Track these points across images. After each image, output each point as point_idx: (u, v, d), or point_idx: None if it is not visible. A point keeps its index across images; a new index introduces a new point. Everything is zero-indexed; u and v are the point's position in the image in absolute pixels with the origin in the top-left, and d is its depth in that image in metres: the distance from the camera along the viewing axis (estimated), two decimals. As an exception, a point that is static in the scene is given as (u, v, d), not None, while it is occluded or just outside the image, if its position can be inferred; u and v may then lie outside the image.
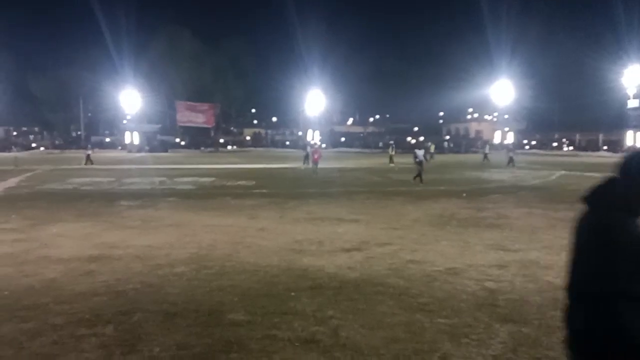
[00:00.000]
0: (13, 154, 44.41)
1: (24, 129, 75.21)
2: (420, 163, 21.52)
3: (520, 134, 74.62)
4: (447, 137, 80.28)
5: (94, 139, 72.55)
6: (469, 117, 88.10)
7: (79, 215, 12.78)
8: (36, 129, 75.50)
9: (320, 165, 28.96)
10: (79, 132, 74.65)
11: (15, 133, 73.29)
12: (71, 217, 12.40)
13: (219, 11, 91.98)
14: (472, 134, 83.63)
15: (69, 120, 76.55)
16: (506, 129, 73.81)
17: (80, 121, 74.06)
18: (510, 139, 70.53)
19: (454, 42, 70.91)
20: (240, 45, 77.17)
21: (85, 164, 34.59)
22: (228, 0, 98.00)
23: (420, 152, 22.25)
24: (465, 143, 73.59)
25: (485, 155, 41.61)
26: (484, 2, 64.13)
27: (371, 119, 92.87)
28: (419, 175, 21.15)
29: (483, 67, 66.37)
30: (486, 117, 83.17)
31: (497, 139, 73.36)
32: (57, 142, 70.11)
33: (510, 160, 34.35)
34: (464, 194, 17.29)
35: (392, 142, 44.94)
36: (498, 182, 22.66)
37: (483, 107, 79.02)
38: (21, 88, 70.61)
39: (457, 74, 68.85)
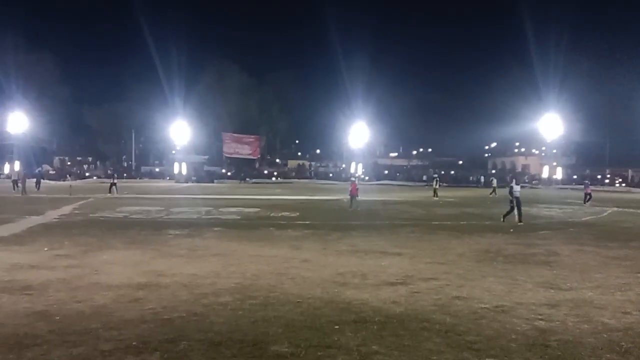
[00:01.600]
0: (68, 182, 46.17)
1: (79, 159, 78.44)
2: (517, 199, 19.10)
3: (570, 169, 72.60)
4: (493, 171, 78.91)
5: (144, 169, 74.91)
6: (515, 151, 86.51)
7: (129, 243, 13.12)
8: (90, 159, 78.63)
9: (363, 198, 28.84)
10: (130, 162, 77.22)
11: (70, 163, 76.47)
12: (121, 245, 12.74)
13: (266, 46, 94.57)
14: (519, 168, 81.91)
15: (121, 151, 79.54)
16: (554, 163, 71.99)
17: (132, 152, 76.72)
18: (558, 174, 68.71)
19: (499, 75, 70.49)
20: (286, 79, 78.82)
21: (110, 192, 35.08)
22: (274, 35, 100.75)
23: (517, 187, 19.59)
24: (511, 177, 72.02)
25: (494, 190, 40.55)
26: (530, 36, 63.53)
27: (415, 152, 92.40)
28: (516, 213, 18.83)
29: (529, 101, 65.33)
30: (533, 151, 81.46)
31: (544, 173, 71.63)
32: (109, 171, 72.63)
33: (588, 197, 31.41)
34: (511, 229, 16.87)
35: (436, 175, 44.65)
36: (547, 218, 22.00)
37: (530, 141, 77.46)
38: (78, 120, 74.18)
39: (502, 108, 68.07)
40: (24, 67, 62.81)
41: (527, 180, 67.06)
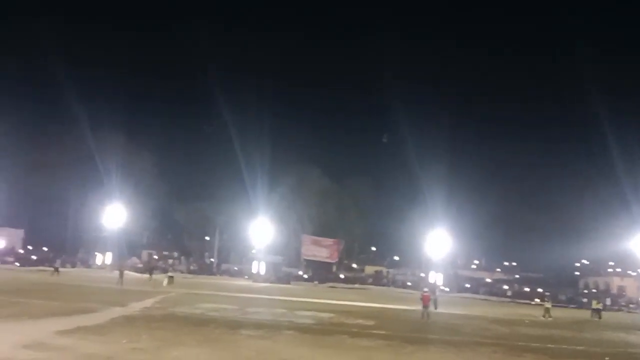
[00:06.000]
0: (153, 276, 47.82)
1: (165, 253, 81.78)
2: None
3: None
4: (585, 292, 73.62)
5: (224, 266, 76.66)
6: (610, 270, 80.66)
7: (202, 340, 13.22)
8: (175, 254, 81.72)
9: (442, 310, 27.69)
10: (212, 259, 79.40)
11: (156, 257, 79.76)
12: (194, 342, 12.86)
13: (347, 152, 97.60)
14: (614, 290, 75.84)
15: (205, 248, 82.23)
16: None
17: (214, 249, 79.17)
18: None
19: (586, 190, 67.84)
20: (365, 185, 79.88)
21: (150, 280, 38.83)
22: (354, 142, 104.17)
23: None
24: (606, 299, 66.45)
25: (597, 312, 36.11)
26: (615, 152, 61.26)
27: (498, 267, 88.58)
28: None
29: (620, 217, 61.87)
30: (630, 272, 75.50)
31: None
32: (192, 267, 74.89)
33: None
34: (607, 358, 15.36)
35: (548, 293, 42.10)
36: (649, 348, 19.88)
37: (626, 261, 72.09)
38: (168, 216, 78.26)
39: (592, 223, 64.74)
40: (124, 164, 67.98)
41: (623, 304, 61.81)
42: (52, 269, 46.92)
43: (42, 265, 57.68)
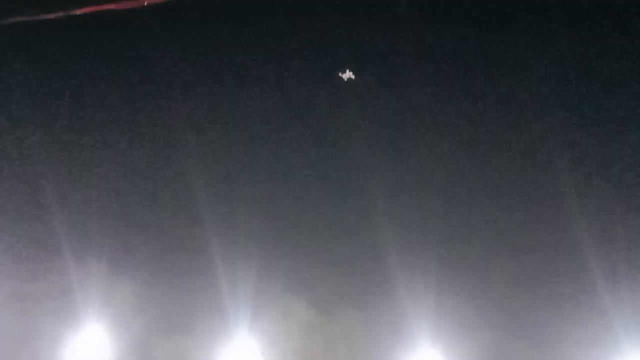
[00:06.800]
0: None
1: (136, 398, 76.76)
2: None
3: None
4: None
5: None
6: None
7: None
8: (149, 400, 76.84)
9: None
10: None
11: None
12: None
13: (334, 283, 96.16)
14: None
15: (181, 388, 77.70)
16: None
17: (194, 393, 74.75)
18: None
19: (573, 319, 67.55)
20: (353, 317, 78.39)
21: None
22: (340, 272, 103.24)
23: None
24: None
25: None
26: (603, 280, 62.05)
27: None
28: None
29: (606, 347, 61.35)
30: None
31: None
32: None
33: None
34: None
35: None
36: None
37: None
38: (144, 352, 74.44)
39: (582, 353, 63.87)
40: (102, 294, 65.99)
41: None
42: None
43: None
